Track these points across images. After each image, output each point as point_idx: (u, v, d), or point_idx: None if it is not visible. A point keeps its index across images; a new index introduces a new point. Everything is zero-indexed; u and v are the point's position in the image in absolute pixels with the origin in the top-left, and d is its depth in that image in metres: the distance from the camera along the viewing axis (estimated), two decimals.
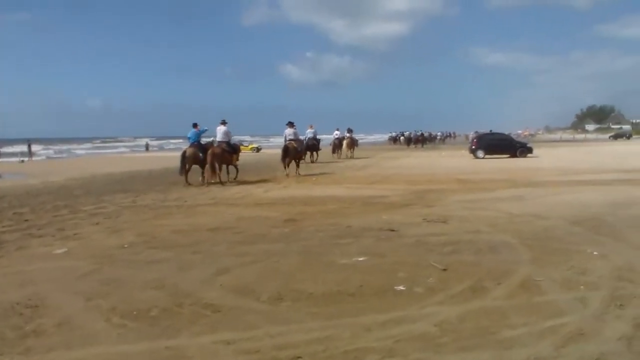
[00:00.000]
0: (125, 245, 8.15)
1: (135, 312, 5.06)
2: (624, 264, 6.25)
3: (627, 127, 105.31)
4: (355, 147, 38.50)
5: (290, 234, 8.67)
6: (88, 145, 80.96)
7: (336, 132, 37.32)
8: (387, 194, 13.79)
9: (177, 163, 18.35)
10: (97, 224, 10.19)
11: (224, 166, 18.05)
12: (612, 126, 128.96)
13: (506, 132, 70.97)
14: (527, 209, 10.69)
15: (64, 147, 73.12)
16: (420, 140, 64.93)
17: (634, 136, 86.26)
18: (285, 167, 20.82)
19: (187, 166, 17.50)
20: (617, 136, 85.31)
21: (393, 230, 8.66)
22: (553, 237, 7.93)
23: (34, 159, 41.16)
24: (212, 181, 17.33)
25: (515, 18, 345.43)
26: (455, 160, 29.92)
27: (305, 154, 26.90)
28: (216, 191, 15.44)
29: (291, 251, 7.41)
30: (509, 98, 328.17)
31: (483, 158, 30.22)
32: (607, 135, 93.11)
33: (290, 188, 16.16)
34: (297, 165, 21.55)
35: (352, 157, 35.18)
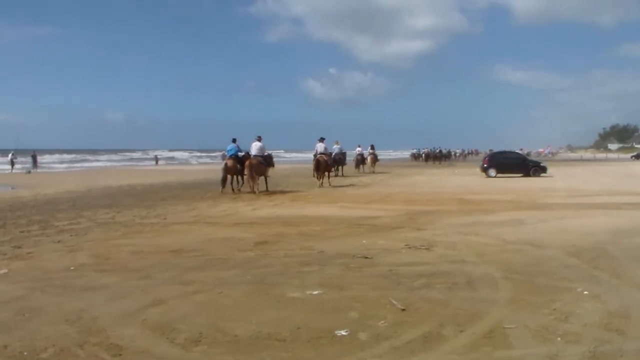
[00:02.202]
0: (72, 268, 7.49)
1: (25, 353, 4.33)
2: (617, 307, 5.31)
3: None
4: (377, 163, 38.84)
5: (254, 259, 7.88)
6: (115, 157, 78.73)
7: (358, 148, 38.19)
8: (379, 215, 12.94)
9: (180, 178, 18.18)
10: (59, 242, 9.57)
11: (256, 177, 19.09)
12: (636, 145, 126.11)
13: (527, 150, 70.29)
14: (524, 235, 9.75)
15: (90, 158, 71.91)
16: (438, 157, 64.09)
17: None
18: (317, 179, 22.69)
19: (228, 177, 19.18)
20: (639, 156, 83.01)
21: (367, 258, 7.83)
22: (543, 270, 7.00)
23: (39, 170, 41.01)
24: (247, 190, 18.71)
25: (539, 36, 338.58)
26: (466, 179, 28.84)
27: (334, 167, 28.47)
28: (202, 208, 14.75)
29: (243, 280, 6.61)
30: (531, 116, 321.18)
31: (495, 177, 29.13)
32: (629, 155, 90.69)
33: (282, 206, 15.37)
34: (328, 177, 23.64)
35: (374, 172, 35.82)
